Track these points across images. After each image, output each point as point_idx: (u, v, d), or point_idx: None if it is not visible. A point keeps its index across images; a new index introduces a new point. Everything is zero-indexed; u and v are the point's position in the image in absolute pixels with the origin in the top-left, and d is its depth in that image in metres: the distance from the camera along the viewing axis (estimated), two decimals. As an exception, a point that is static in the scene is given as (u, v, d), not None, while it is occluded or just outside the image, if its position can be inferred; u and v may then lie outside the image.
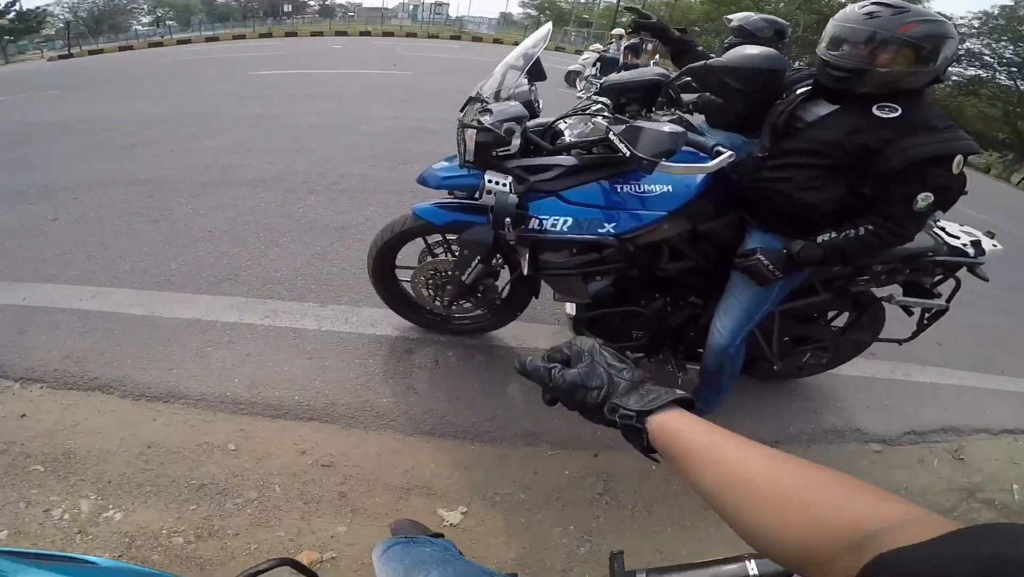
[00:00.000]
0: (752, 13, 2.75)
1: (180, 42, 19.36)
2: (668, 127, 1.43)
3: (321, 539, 1.42)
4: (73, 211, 3.08)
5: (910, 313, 2.09)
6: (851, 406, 2.48)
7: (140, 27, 42.07)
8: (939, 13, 1.45)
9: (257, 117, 5.50)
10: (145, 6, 46.39)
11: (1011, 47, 26.42)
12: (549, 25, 1.92)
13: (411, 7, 34.33)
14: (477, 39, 25.06)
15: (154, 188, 3.40)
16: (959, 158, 1.36)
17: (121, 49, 18.79)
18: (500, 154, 1.54)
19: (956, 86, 28.74)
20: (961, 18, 27.76)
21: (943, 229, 2.04)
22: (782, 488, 0.40)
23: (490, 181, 1.53)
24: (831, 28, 1.43)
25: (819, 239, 1.50)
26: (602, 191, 1.62)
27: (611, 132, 1.43)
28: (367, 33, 22.60)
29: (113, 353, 1.95)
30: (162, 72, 9.84)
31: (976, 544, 0.29)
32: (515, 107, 1.58)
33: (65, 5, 40.88)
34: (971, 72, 28.40)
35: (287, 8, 38.12)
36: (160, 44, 19.25)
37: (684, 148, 1.50)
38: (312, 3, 48.64)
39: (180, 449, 1.62)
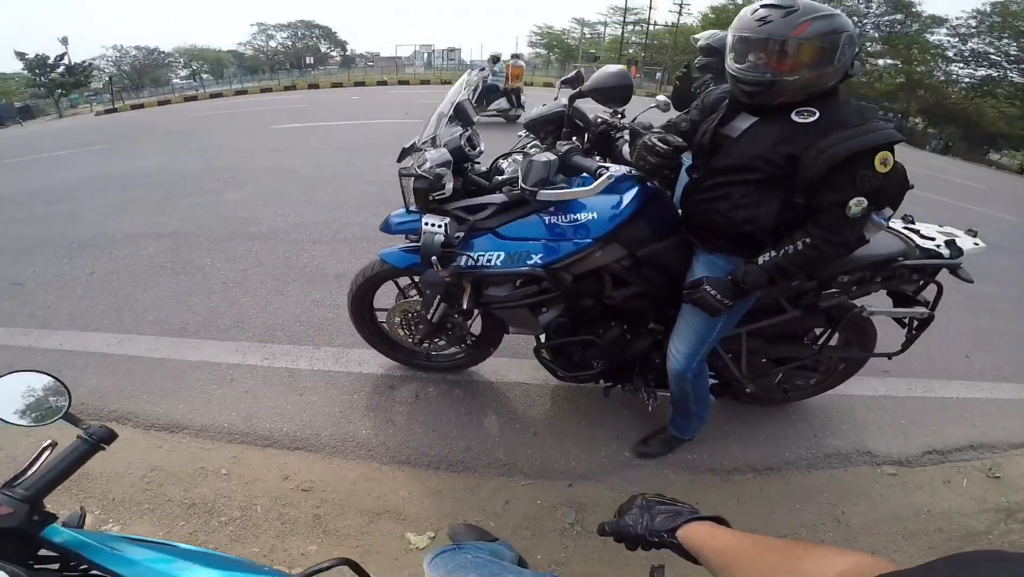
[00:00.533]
0: (719, 31, 2.68)
1: (212, 96, 20.84)
2: (544, 156, 1.55)
3: (292, 556, 1.60)
4: (108, 264, 3.51)
5: (903, 325, 2.07)
6: (860, 428, 2.42)
7: (178, 80, 44.49)
8: (837, 3, 1.34)
9: (275, 170, 6.00)
10: (181, 60, 49.27)
11: (1014, 44, 26.52)
12: (470, 73, 2.04)
13: (424, 55, 35.58)
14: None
15: (179, 241, 3.85)
16: (883, 154, 1.31)
17: (160, 103, 20.26)
18: (436, 198, 1.66)
19: (970, 88, 28.87)
20: (957, 18, 28.23)
21: (916, 231, 1.96)
22: (761, 566, 0.52)
23: (425, 224, 1.63)
24: (730, 38, 1.40)
25: (760, 260, 1.48)
26: (533, 224, 1.70)
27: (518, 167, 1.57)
28: (384, 83, 23.75)
29: (131, 390, 2.25)
30: (195, 126, 10.80)
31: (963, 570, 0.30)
32: (442, 154, 1.66)
33: (109, 59, 43.52)
34: (982, 72, 28.45)
35: (309, 60, 39.90)
36: (195, 98, 20.77)
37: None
38: (334, 55, 50.85)
39: (178, 472, 1.86)
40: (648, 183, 1.72)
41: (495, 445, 2.06)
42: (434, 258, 1.58)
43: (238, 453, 1.96)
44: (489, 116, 8.81)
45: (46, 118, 23.58)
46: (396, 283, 2.12)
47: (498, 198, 1.71)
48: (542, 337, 2.00)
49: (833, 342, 2.08)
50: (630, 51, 36.27)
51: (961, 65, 28.69)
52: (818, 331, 2.14)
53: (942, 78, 29.70)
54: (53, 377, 0.82)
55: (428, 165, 1.63)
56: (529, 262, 1.69)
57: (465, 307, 1.85)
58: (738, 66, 1.38)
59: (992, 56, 27.10)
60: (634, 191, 1.67)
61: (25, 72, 30.15)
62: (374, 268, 1.99)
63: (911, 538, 1.91)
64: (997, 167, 24.58)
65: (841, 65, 1.33)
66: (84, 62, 31.83)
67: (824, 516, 1.92)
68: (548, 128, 1.90)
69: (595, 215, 1.66)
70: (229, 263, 3.46)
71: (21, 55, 28.60)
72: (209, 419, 2.09)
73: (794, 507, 1.95)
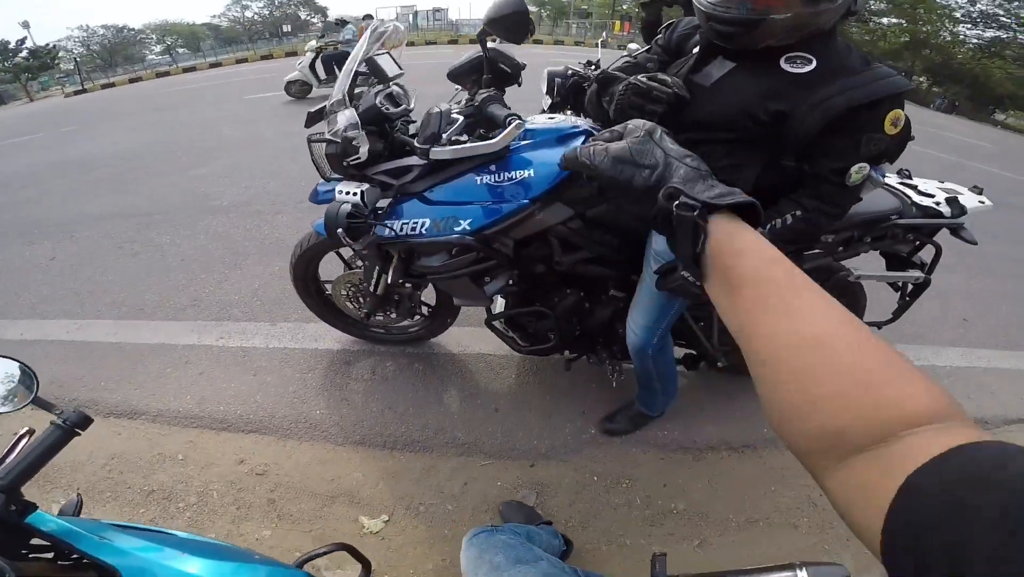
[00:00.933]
0: None
1: (186, 70, 20.14)
2: (437, 108, 1.40)
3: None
4: (69, 248, 3.44)
5: (896, 289, 1.89)
6: None
7: (152, 56, 43.06)
8: None
9: (243, 141, 5.82)
10: (153, 36, 47.51)
11: None
12: (382, 23, 1.79)
13: (409, 17, 34.17)
14: (475, 41, 24.92)
15: (141, 221, 3.76)
16: (895, 113, 1.07)
17: (131, 81, 19.58)
18: (352, 163, 1.51)
19: (978, 48, 28.24)
20: None
21: (914, 187, 1.76)
22: (849, 363, 0.36)
23: (339, 192, 1.49)
24: None
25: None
26: (465, 186, 1.54)
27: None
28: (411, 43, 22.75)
29: (90, 377, 2.22)
30: (165, 102, 10.51)
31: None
32: (350, 114, 1.50)
33: (76, 40, 42.07)
34: (990, 34, 27.97)
35: (287, 28, 38.42)
36: (167, 73, 20.07)
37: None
38: (314, 21, 48.84)
39: (137, 460, 1.84)
40: (597, 132, 1.54)
41: (454, 423, 1.98)
42: (340, 231, 1.42)
43: (194, 438, 1.94)
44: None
45: (16, 103, 22.86)
46: (339, 254, 2.01)
47: (479, 148, 1.52)
48: (495, 307, 1.88)
49: None
50: (624, 6, 34.75)
51: (969, 26, 28.14)
52: None
53: (948, 38, 28.88)
54: (17, 362, 0.79)
55: (337, 128, 1.49)
56: (457, 228, 1.53)
57: (390, 280, 1.72)
58: (713, 1, 1.08)
59: (1002, 18, 26.74)
60: (579, 142, 1.46)
61: None
62: (310, 240, 1.87)
63: None
64: (1003, 127, 24.47)
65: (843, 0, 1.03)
66: (48, 45, 30.70)
67: (800, 500, 1.82)
68: (472, 77, 1.68)
69: (533, 172, 1.48)
70: (189, 239, 3.38)
71: None
72: (165, 404, 2.06)
73: (769, 489, 1.85)
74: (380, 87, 1.64)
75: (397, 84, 1.70)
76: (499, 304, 1.89)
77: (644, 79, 1.19)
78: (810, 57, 1.11)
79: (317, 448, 1.89)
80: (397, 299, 1.99)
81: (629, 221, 1.54)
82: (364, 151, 1.48)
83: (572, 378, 2.12)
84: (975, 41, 28.20)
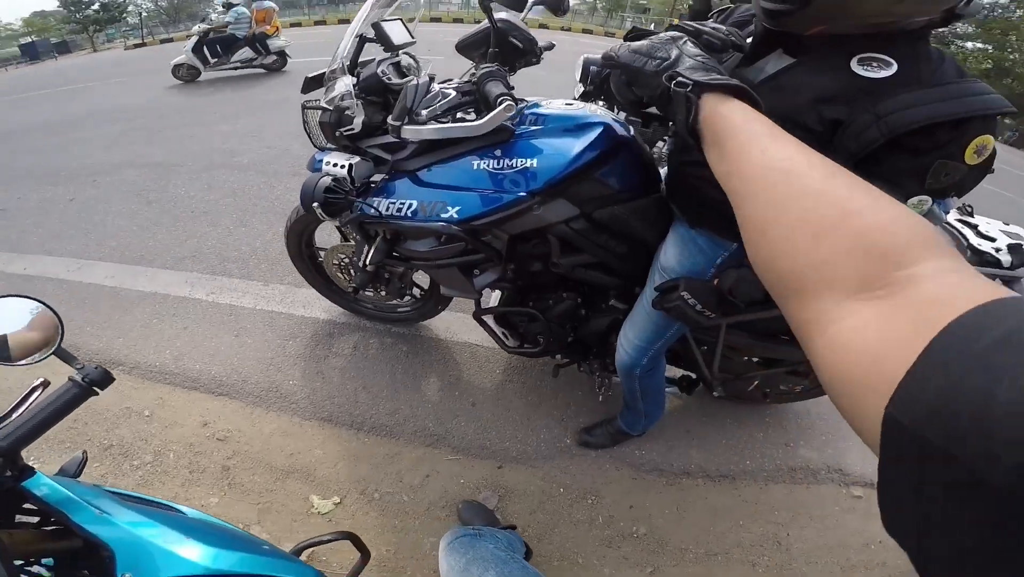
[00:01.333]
0: None
1: None
2: (416, 80, 1.27)
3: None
4: (89, 192, 3.50)
5: None
6: (841, 441, 2.12)
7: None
8: None
9: (276, 103, 5.80)
10: None
11: None
12: None
13: None
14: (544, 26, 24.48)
15: (161, 171, 3.81)
16: (983, 139, 0.84)
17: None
18: (345, 134, 1.42)
19: None
20: None
21: (974, 227, 1.62)
22: (820, 188, 0.36)
23: (327, 164, 1.41)
24: None
25: None
26: (461, 169, 1.41)
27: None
28: (412, 19, 22.60)
29: (78, 320, 2.22)
30: None
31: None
32: (346, 83, 1.42)
33: (147, -6, 43.24)
34: None
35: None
36: None
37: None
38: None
39: (105, 412, 1.82)
40: (619, 127, 1.36)
41: (427, 411, 1.89)
42: (315, 205, 1.31)
43: (164, 395, 1.90)
44: (234, 69, 8.10)
45: (81, 52, 23.73)
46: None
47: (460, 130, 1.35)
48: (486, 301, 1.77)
49: None
50: (688, 1, 33.78)
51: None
52: None
53: None
54: (45, 305, 0.72)
55: (334, 95, 1.40)
56: (444, 215, 1.39)
57: (368, 260, 1.60)
58: None
59: None
60: (593, 134, 1.31)
61: (62, 10, 30.28)
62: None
63: (849, 571, 1.69)
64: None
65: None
66: None
67: (766, 537, 1.71)
68: (481, 50, 1.50)
69: (533, 162, 1.33)
70: (203, 193, 3.39)
71: None
72: (144, 356, 2.04)
73: (738, 523, 1.74)
74: (387, 55, 1.55)
75: (408, 54, 1.61)
76: (494, 297, 1.76)
77: (691, 23, 0.89)
78: (890, 60, 0.88)
79: (283, 420, 1.82)
80: (388, 277, 1.88)
81: (639, 228, 1.39)
82: (358, 122, 1.39)
83: (558, 383, 2.02)
84: None
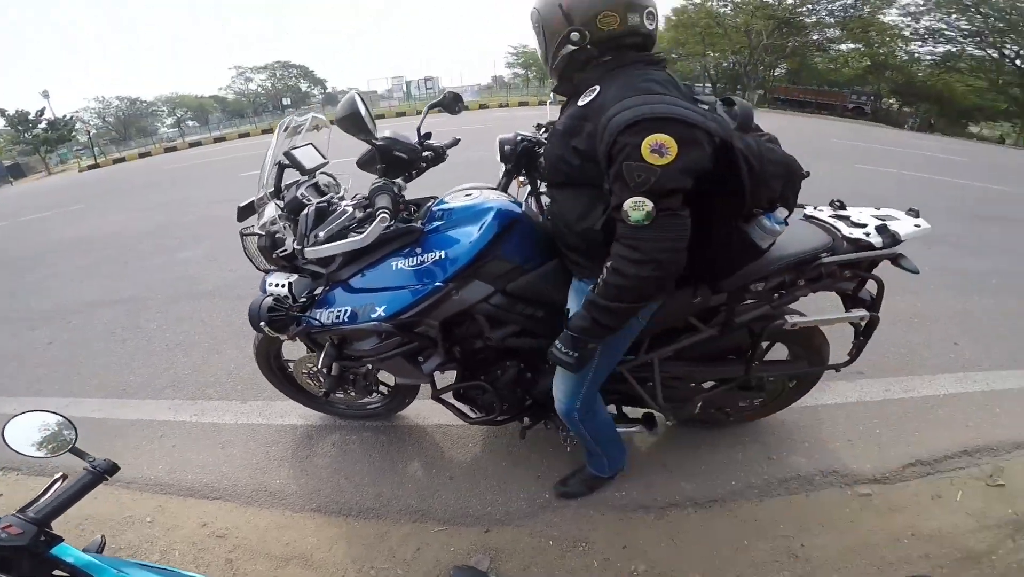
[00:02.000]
0: None
1: (192, 145, 21.99)
2: (308, 209, 1.53)
3: None
4: (65, 335, 4.05)
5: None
6: (825, 443, 2.21)
7: (164, 129, 45.30)
8: None
9: (234, 221, 6.14)
10: (165, 109, 50.66)
11: (963, 18, 28.92)
12: (291, 118, 1.86)
13: (402, 86, 36.11)
14: (484, 106, 26.53)
15: (131, 307, 4.43)
16: (653, 138, 1.06)
17: (141, 156, 20.95)
18: (281, 255, 1.64)
19: (934, 65, 31.20)
20: None
21: (847, 218, 1.77)
22: None
23: (269, 285, 1.63)
24: None
25: (587, 297, 1.34)
26: (383, 271, 1.65)
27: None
28: (381, 116, 24.12)
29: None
30: (168, 179, 12.12)
31: None
32: (272, 209, 1.62)
33: (92, 111, 44.62)
34: (941, 48, 31.55)
35: (286, 101, 40.69)
36: (175, 148, 21.46)
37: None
38: (314, 93, 51.64)
39: (109, 520, 2.21)
40: (510, 206, 1.70)
41: (408, 491, 2.20)
42: (263, 324, 1.54)
43: (162, 503, 2.32)
44: None
45: (36, 175, 24.26)
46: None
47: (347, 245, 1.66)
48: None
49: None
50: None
51: (919, 43, 32.34)
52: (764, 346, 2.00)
53: (905, 57, 32.86)
54: (61, 416, 1.00)
55: (265, 221, 1.65)
56: (373, 316, 1.64)
57: (319, 366, 1.94)
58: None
59: (947, 32, 30.24)
60: (488, 218, 1.63)
61: (9, 129, 32.48)
62: None
63: (888, 569, 1.72)
64: (978, 139, 26.05)
65: (579, 28, 1.21)
66: (65, 116, 33.02)
67: (778, 552, 1.81)
68: (374, 166, 1.71)
69: (446, 253, 1.61)
70: (174, 324, 4.01)
71: (1, 112, 31.15)
72: (138, 472, 2.48)
73: (741, 544, 1.85)
74: (304, 179, 1.81)
75: (325, 173, 1.91)
76: (449, 378, 2.05)
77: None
78: (596, 87, 1.22)
79: (275, 514, 2.16)
80: (353, 378, 2.20)
81: (548, 291, 1.65)
82: (289, 243, 1.61)
83: (528, 445, 2.32)
84: (929, 58, 32.18)
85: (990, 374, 2.65)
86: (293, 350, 2.42)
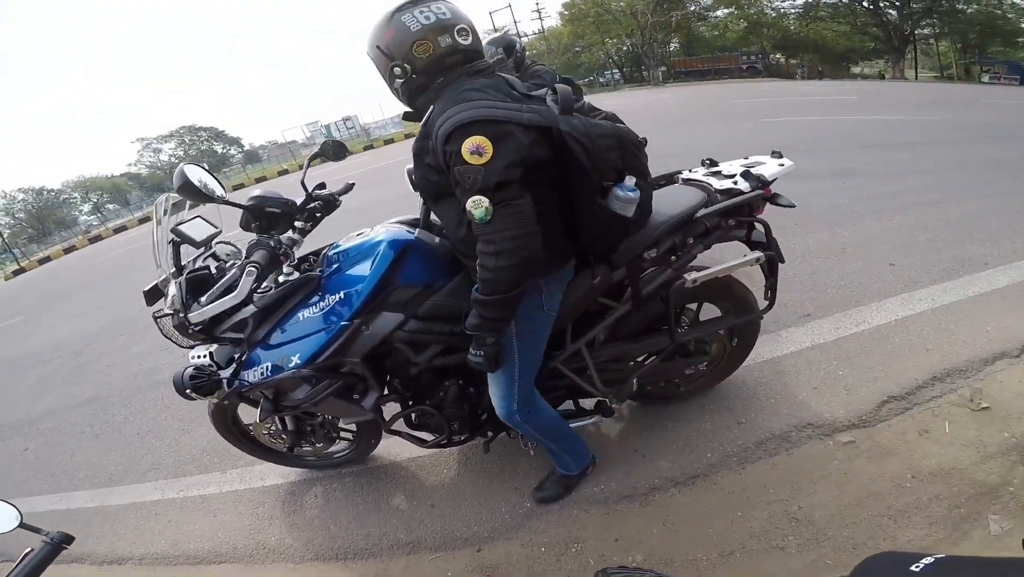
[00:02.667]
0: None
1: (116, 230, 21.02)
2: (180, 279, 1.60)
3: None
4: (38, 440, 4.17)
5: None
6: (790, 396, 2.13)
7: (83, 216, 43.00)
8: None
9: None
10: (77, 195, 47.87)
11: None
12: (166, 199, 1.85)
13: (322, 131, 35.49)
14: (389, 141, 26.16)
15: (96, 406, 4.51)
16: (471, 141, 1.19)
17: (66, 252, 19.95)
18: (195, 330, 1.68)
19: (800, 16, 34.46)
20: None
21: (718, 173, 1.87)
22: None
23: (192, 357, 1.69)
24: None
25: (471, 296, 1.43)
26: (292, 324, 1.73)
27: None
28: (285, 172, 23.78)
29: (79, 536, 2.67)
30: (99, 275, 11.66)
31: None
32: (174, 287, 1.66)
33: (-1, 209, 41.63)
34: (800, 0, 34.15)
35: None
36: (99, 237, 20.63)
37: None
38: (233, 153, 50.05)
39: None
40: (402, 234, 1.75)
41: (394, 527, 2.26)
42: (188, 391, 1.65)
43: (176, 573, 2.47)
44: None
45: (-40, 289, 22.73)
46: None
47: (250, 308, 1.74)
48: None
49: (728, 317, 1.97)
50: (510, 70, 38.11)
51: None
52: (695, 309, 2.05)
53: (774, 14, 35.13)
54: (2, 500, 1.10)
55: (170, 301, 1.68)
56: (291, 365, 1.71)
57: (259, 419, 2.01)
58: None
59: None
60: (379, 250, 1.70)
61: None
62: None
63: (900, 518, 1.64)
64: (862, 78, 28.17)
65: (400, 63, 1.32)
66: None
67: (775, 517, 1.76)
68: (254, 224, 1.75)
69: (346, 292, 1.68)
70: (140, 414, 4.13)
71: None
72: (146, 549, 2.66)
73: (736, 516, 1.82)
74: (202, 251, 1.84)
75: (224, 242, 1.92)
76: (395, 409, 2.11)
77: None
78: (432, 106, 1.35)
79: (279, 568, 2.26)
80: (311, 430, 2.29)
81: (460, 305, 1.66)
82: (199, 316, 1.65)
83: (498, 459, 2.39)
84: (793, 11, 34.61)
85: (933, 289, 2.63)
86: (250, 413, 2.30)
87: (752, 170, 1.81)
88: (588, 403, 2.20)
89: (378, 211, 2.36)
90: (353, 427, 2.41)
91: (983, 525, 1.56)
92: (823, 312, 2.65)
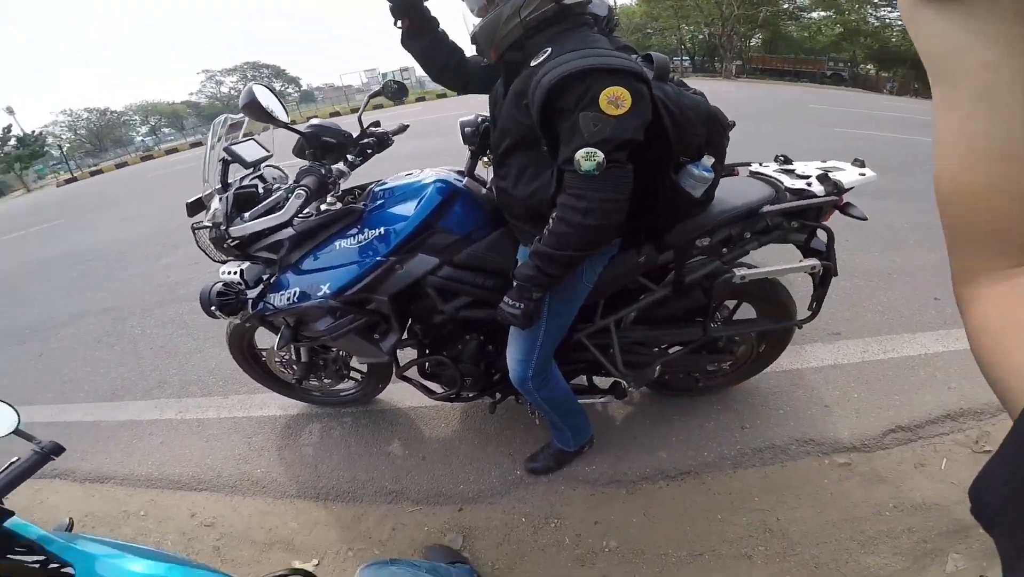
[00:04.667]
0: None
1: (168, 152, 21.70)
2: (229, 192, 1.64)
3: None
4: (54, 345, 4.17)
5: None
6: (801, 410, 2.14)
7: (139, 137, 44.61)
8: None
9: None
10: (137, 117, 49.71)
11: None
12: (225, 118, 1.93)
13: (379, 78, 35.76)
14: (441, 95, 25.90)
15: (116, 315, 4.53)
16: (611, 91, 1.12)
17: (118, 166, 20.67)
18: (231, 245, 1.72)
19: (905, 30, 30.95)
20: None
21: (791, 171, 1.79)
22: None
23: (222, 273, 1.71)
24: None
25: (532, 247, 1.38)
26: (327, 252, 1.72)
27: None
28: (336, 113, 23.80)
29: (68, 450, 2.61)
30: (146, 188, 12.17)
31: None
32: (220, 202, 1.69)
33: (62, 124, 43.84)
34: None
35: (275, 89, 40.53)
36: (151, 156, 21.39)
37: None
38: (290, 91, 50.91)
39: (106, 517, 2.37)
40: (451, 179, 1.74)
41: (382, 473, 2.29)
42: (213, 308, 1.65)
43: (155, 497, 2.45)
44: None
45: (14, 193, 23.93)
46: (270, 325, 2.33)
47: (287, 231, 1.74)
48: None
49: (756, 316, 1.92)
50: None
51: (888, 8, 32.00)
52: (731, 307, 1.99)
53: (876, 23, 33.05)
54: (4, 402, 1.08)
55: (211, 215, 1.71)
56: (319, 294, 1.71)
57: (276, 347, 2.01)
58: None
59: None
60: (427, 192, 1.68)
61: None
62: None
63: (870, 544, 1.68)
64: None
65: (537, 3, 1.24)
66: (34, 132, 32.06)
67: (753, 526, 1.79)
68: (308, 152, 1.78)
69: (386, 229, 1.67)
70: (158, 328, 4.11)
71: None
72: (130, 470, 2.62)
73: (715, 518, 1.84)
74: (250, 172, 1.88)
75: (271, 166, 1.99)
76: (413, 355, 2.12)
77: None
78: (548, 48, 1.25)
79: (258, 502, 2.28)
80: (323, 364, 2.30)
81: (496, 260, 1.67)
82: (236, 232, 1.70)
83: (499, 422, 2.39)
84: (900, 23, 29.94)
85: None
86: (266, 339, 2.39)
87: (830, 174, 1.73)
88: (602, 381, 2.15)
89: (428, 160, 2.20)
90: (364, 368, 2.39)
91: (942, 562, 1.60)
92: (854, 334, 2.57)
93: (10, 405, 1.08)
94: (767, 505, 1.85)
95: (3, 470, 0.94)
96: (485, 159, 1.93)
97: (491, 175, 2.32)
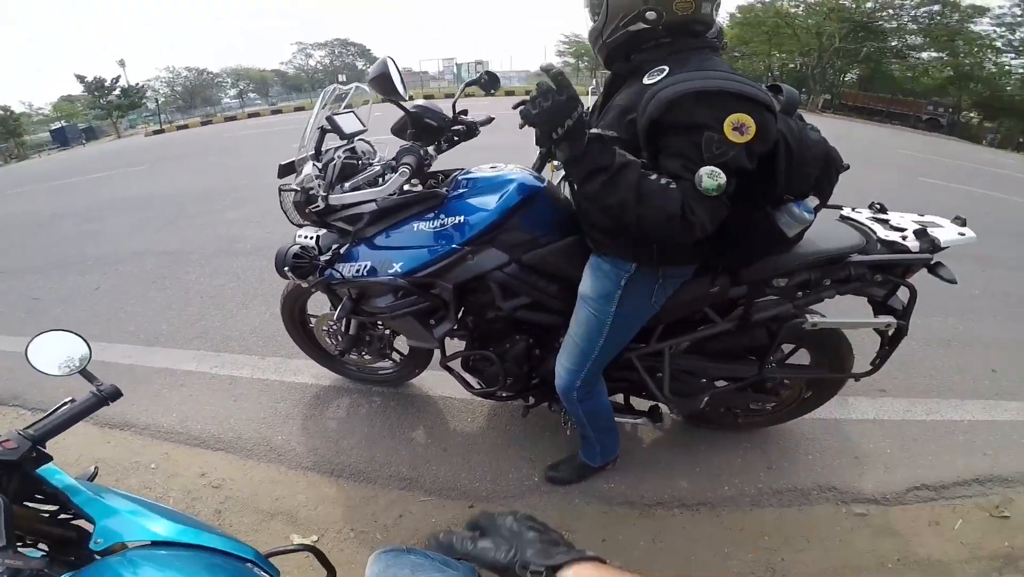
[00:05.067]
0: None
1: (250, 115, 22.45)
2: (336, 161, 1.66)
3: None
4: (112, 280, 4.24)
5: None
6: (830, 458, 2.13)
7: (227, 99, 46.94)
8: None
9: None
10: (228, 80, 52.56)
11: None
12: (334, 87, 2.02)
13: (454, 68, 36.54)
14: (509, 93, 25.88)
15: (175, 258, 4.58)
16: (736, 117, 1.06)
17: (203, 124, 21.57)
18: (313, 211, 1.74)
19: None
20: (1000, 7, 29.25)
21: (885, 221, 1.71)
22: None
23: (299, 236, 1.73)
24: None
25: (617, 152, 1.17)
26: (404, 232, 1.73)
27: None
28: (411, 97, 23.84)
29: None
30: (225, 146, 12.53)
31: None
32: (310, 168, 1.73)
33: (163, 80, 46.83)
34: None
35: (342, 78, 41.71)
36: (234, 118, 22.29)
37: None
38: (369, 71, 52.39)
39: (117, 464, 2.28)
40: (532, 179, 1.71)
41: (400, 459, 2.23)
42: (286, 268, 1.67)
43: (170, 450, 2.36)
44: None
45: (107, 138, 25.68)
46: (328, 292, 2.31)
47: (370, 206, 1.73)
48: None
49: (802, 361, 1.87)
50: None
51: (1012, 55, 29.38)
52: (786, 349, 1.93)
53: (993, 69, 30.16)
54: (81, 338, 1.02)
55: (300, 179, 1.76)
56: (390, 271, 1.72)
57: (336, 318, 2.02)
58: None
59: None
60: (508, 189, 1.66)
61: (86, 94, 34.43)
62: None
63: None
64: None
65: (633, 15, 1.21)
66: (138, 84, 34.52)
67: (757, 563, 1.76)
68: (408, 132, 1.77)
69: (465, 217, 1.66)
70: (211, 278, 4.10)
71: (81, 78, 32.92)
72: (153, 419, 2.54)
73: (721, 551, 1.81)
74: (343, 143, 1.90)
75: (363, 140, 2.00)
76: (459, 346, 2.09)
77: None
78: (665, 67, 1.21)
79: (271, 469, 2.21)
80: (368, 340, 2.27)
81: (564, 267, 1.67)
82: (322, 200, 1.72)
83: (526, 425, 2.33)
84: (1022, 71, 29.45)
85: (1022, 404, 2.42)
86: (318, 307, 2.42)
87: (929, 230, 1.63)
88: (639, 403, 2.09)
89: (502, 156, 2.06)
90: (405, 350, 2.37)
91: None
92: (900, 393, 2.50)
93: (85, 341, 1.01)
94: (775, 544, 1.81)
95: (56, 410, 0.87)
96: (555, 162, 1.89)
97: (557, 178, 2.23)
